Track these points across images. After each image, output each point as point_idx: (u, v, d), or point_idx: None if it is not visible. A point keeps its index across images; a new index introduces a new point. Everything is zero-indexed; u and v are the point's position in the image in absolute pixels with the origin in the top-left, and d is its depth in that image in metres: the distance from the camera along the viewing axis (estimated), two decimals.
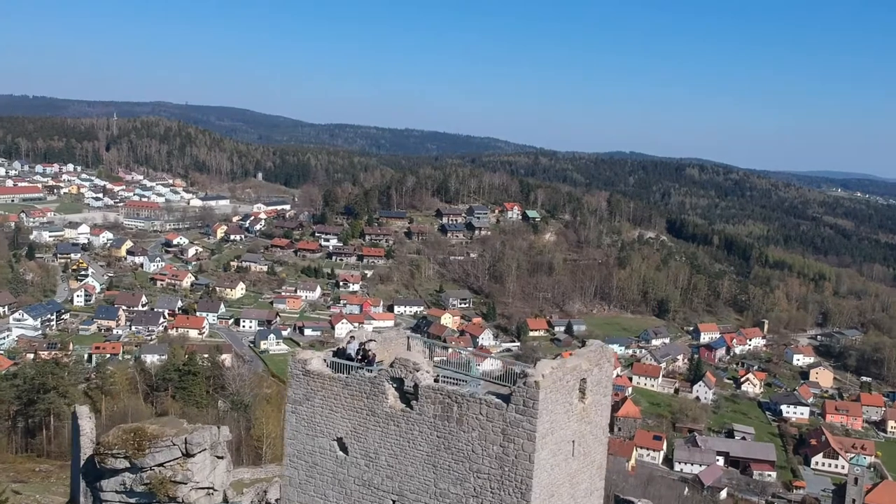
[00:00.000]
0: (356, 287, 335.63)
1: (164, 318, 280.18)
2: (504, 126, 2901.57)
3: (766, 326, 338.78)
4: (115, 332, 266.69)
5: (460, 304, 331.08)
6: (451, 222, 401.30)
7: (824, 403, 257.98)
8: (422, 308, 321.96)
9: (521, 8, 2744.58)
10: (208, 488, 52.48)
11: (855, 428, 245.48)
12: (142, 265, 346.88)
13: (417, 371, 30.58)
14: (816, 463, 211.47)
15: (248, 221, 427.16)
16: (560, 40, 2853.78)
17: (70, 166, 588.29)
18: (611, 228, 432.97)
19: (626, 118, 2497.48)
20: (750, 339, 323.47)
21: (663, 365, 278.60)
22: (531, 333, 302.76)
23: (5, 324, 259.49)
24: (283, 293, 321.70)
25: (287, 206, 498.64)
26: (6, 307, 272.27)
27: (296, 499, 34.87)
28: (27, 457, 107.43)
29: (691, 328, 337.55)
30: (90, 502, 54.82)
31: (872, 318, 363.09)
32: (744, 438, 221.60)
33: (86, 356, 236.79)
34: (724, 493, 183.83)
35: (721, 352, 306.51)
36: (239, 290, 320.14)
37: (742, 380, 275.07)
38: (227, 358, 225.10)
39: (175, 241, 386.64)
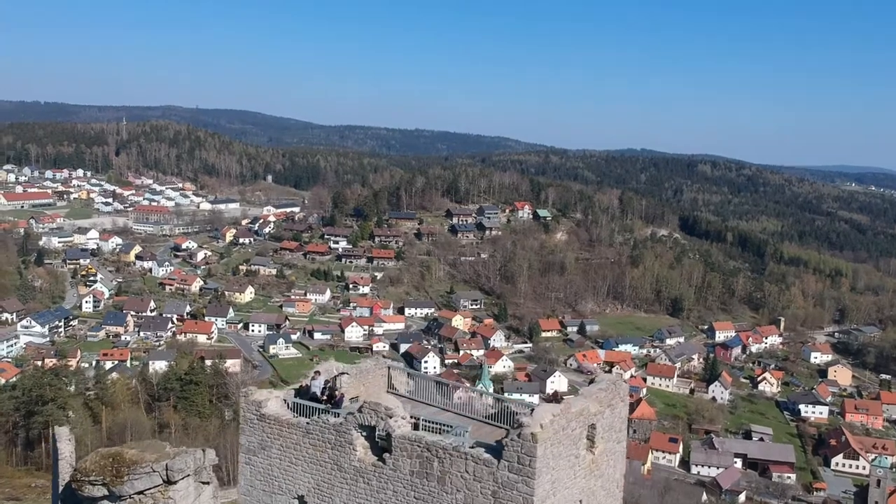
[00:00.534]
0: (366, 289, 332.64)
1: (173, 323, 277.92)
2: (514, 125, 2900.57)
3: (782, 324, 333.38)
4: (123, 338, 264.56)
5: (471, 305, 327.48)
6: (461, 222, 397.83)
7: (843, 402, 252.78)
8: (433, 310, 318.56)
9: (530, 7, 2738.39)
10: None
11: (875, 427, 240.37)
12: (150, 270, 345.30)
13: (391, 418, 24.86)
14: (837, 464, 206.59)
15: (258, 224, 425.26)
16: (569, 38, 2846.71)
17: (80, 171, 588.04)
18: (623, 227, 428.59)
19: (637, 115, 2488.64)
20: (766, 338, 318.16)
21: (678, 365, 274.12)
22: (543, 334, 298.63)
23: (13, 331, 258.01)
24: (292, 296, 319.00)
25: (297, 209, 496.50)
26: (14, 314, 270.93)
27: None
28: (25, 470, 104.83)
29: (706, 327, 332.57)
30: None
31: (891, 314, 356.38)
32: (762, 439, 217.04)
33: (94, 363, 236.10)
34: (742, 497, 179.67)
35: (737, 350, 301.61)
36: (248, 294, 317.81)
37: (759, 379, 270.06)
38: (232, 365, 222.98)
39: (184, 246, 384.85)
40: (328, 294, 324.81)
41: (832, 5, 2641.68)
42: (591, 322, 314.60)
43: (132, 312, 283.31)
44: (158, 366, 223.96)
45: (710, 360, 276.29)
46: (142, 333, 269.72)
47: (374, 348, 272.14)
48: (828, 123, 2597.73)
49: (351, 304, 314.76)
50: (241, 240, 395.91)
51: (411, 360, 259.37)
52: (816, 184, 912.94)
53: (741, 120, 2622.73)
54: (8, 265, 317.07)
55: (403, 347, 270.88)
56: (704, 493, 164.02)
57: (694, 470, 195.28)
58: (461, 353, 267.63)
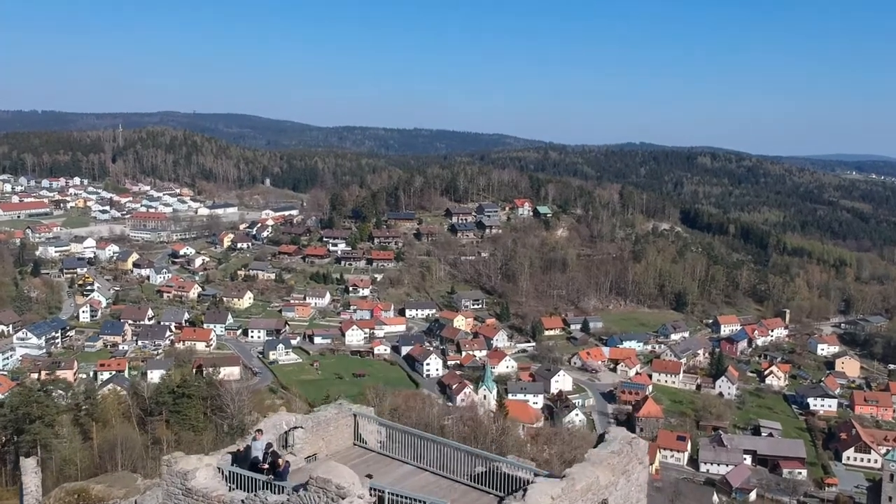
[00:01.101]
0: (366, 292, 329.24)
1: (171, 331, 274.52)
2: (513, 122, 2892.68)
3: (787, 316, 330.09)
4: (121, 347, 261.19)
5: (473, 305, 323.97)
6: (460, 221, 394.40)
7: (852, 394, 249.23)
8: (434, 311, 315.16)
9: (526, 4, 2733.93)
10: None
11: (885, 419, 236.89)
12: (148, 278, 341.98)
13: (343, 498, 18.37)
14: (848, 458, 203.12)
15: (255, 229, 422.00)
16: (566, 34, 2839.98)
17: (76, 180, 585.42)
18: (624, 221, 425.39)
19: (635, 109, 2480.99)
20: (772, 330, 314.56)
21: (683, 360, 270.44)
22: (546, 333, 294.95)
23: (9, 343, 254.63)
24: (291, 301, 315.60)
25: (295, 212, 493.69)
26: (10, 326, 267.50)
27: None
28: (13, 490, 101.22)
29: (711, 321, 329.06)
30: None
31: None
32: (771, 435, 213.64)
33: (91, 374, 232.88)
34: (753, 495, 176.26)
35: (742, 344, 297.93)
36: (247, 300, 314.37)
37: (766, 373, 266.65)
38: (228, 373, 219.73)
39: (181, 252, 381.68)
40: (328, 297, 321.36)
41: None
42: (595, 319, 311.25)
43: (130, 321, 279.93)
44: (156, 374, 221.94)
45: (715, 354, 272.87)
46: (140, 342, 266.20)
47: (376, 351, 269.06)
48: (827, 112, 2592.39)
49: (351, 307, 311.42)
50: (239, 245, 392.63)
51: (413, 363, 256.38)
52: (817, 173, 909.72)
53: (740, 111, 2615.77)
54: (4, 276, 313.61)
55: (405, 350, 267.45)
56: (715, 495, 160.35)
57: (703, 468, 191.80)
58: (463, 354, 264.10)
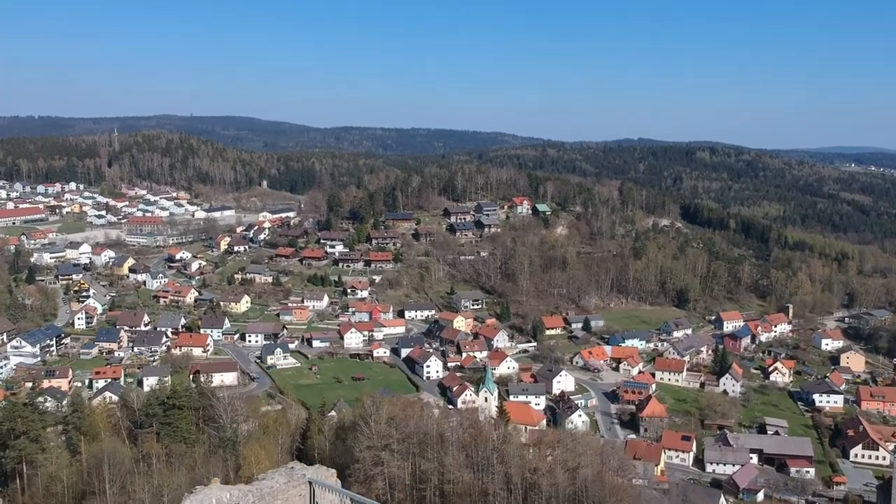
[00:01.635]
0: (365, 294, 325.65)
1: (167, 337, 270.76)
2: (510, 120, 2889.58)
3: (790, 311, 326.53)
4: (116, 354, 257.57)
5: (473, 305, 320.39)
6: (459, 221, 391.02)
7: (858, 390, 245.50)
8: (433, 312, 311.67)
9: (522, 2, 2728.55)
10: None
11: (892, 414, 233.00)
12: (144, 283, 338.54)
13: None
14: (856, 455, 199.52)
15: (252, 231, 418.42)
16: (563, 32, 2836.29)
17: (72, 185, 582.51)
18: (624, 218, 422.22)
19: (633, 105, 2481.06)
20: (775, 326, 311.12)
21: (686, 358, 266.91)
22: (548, 332, 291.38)
23: (3, 352, 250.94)
24: (289, 304, 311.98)
25: (292, 214, 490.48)
26: (4, 335, 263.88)
27: None
28: None
29: (713, 317, 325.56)
30: None
31: None
32: (777, 433, 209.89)
33: (86, 382, 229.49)
34: (761, 495, 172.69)
35: (746, 341, 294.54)
36: (244, 304, 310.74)
37: (770, 369, 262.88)
38: (225, 379, 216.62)
39: (178, 256, 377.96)
40: (326, 300, 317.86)
41: None
42: (596, 317, 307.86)
43: (125, 327, 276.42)
44: (152, 381, 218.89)
45: (719, 351, 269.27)
46: (136, 349, 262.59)
47: (375, 354, 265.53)
48: (824, 105, 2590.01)
49: (350, 310, 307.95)
50: (235, 248, 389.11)
51: (413, 365, 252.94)
52: (816, 166, 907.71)
53: (738, 105, 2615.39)
54: None
55: (404, 352, 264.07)
56: (722, 497, 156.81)
57: (709, 468, 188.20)
58: (464, 355, 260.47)
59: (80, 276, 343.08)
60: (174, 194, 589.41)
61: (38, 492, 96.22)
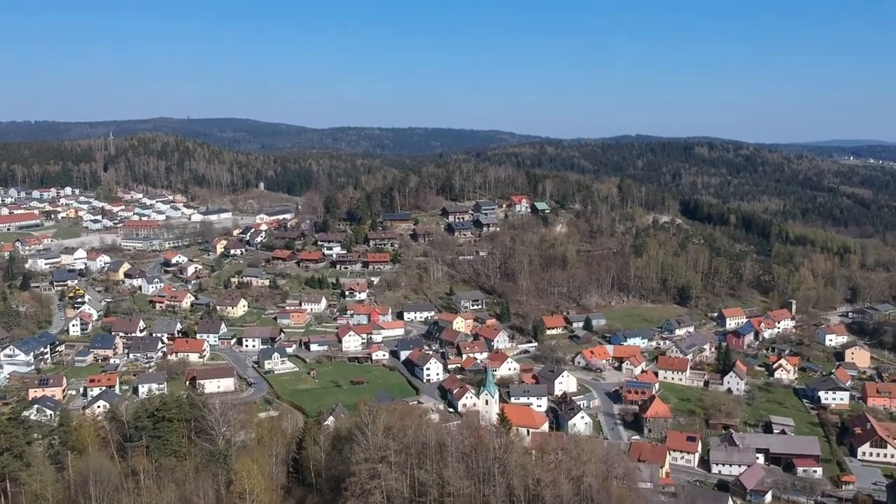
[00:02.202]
0: (363, 295, 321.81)
1: (163, 342, 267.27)
2: (508, 118, 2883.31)
3: (793, 307, 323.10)
4: (112, 361, 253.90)
5: (472, 305, 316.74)
6: (457, 220, 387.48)
7: (864, 386, 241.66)
8: (433, 313, 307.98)
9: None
10: None
11: None
12: (140, 288, 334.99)
13: None
14: (864, 453, 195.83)
15: (249, 234, 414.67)
16: (559, 29, 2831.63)
17: (68, 190, 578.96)
18: (623, 215, 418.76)
19: (630, 101, 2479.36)
20: (778, 322, 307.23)
21: (690, 356, 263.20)
22: (548, 332, 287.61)
23: None
24: (286, 307, 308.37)
25: (290, 215, 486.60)
26: None
27: None
28: None
29: (715, 314, 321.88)
30: None
31: None
32: (783, 432, 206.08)
33: (81, 390, 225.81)
34: (768, 497, 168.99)
35: (749, 338, 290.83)
36: (241, 308, 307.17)
37: (774, 366, 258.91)
38: (219, 385, 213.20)
39: (174, 261, 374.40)
40: (324, 303, 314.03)
41: None
42: (597, 316, 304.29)
43: (121, 334, 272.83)
44: (150, 387, 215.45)
45: (722, 349, 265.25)
46: (131, 355, 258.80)
47: (374, 357, 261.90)
48: (822, 99, 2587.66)
49: (348, 312, 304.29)
50: (232, 251, 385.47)
51: (413, 368, 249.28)
52: (815, 159, 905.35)
53: (735, 100, 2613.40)
54: None
55: (404, 354, 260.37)
56: (730, 499, 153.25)
57: (714, 469, 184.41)
58: (464, 357, 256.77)
59: (75, 281, 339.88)
60: (170, 197, 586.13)
61: None
